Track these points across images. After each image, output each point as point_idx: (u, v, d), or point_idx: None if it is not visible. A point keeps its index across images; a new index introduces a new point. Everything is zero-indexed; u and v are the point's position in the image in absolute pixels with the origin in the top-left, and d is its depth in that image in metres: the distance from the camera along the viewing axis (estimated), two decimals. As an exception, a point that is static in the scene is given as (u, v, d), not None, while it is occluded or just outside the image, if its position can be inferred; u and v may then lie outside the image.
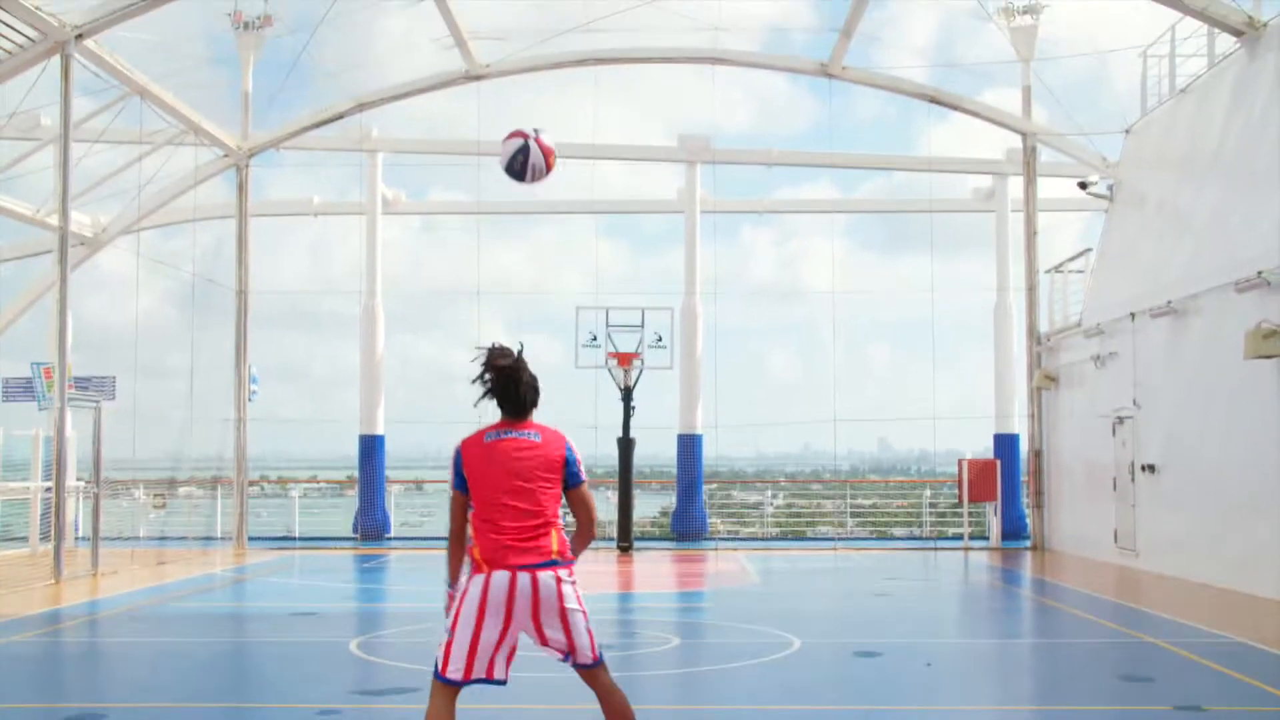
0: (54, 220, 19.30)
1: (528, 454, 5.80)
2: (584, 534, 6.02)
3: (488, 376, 5.89)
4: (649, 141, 30.00)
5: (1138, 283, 20.40)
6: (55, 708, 9.17)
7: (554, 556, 5.71)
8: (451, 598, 5.74)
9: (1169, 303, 18.57)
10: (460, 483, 5.81)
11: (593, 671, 5.86)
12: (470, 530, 5.79)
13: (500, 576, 5.59)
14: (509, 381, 5.89)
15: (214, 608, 15.86)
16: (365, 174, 27.54)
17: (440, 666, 5.61)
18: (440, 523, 29.49)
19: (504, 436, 5.85)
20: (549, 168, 6.52)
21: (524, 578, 5.61)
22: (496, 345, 5.95)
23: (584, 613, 5.78)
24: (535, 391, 5.94)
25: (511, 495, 5.70)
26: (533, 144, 6.48)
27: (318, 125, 25.84)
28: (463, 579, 5.73)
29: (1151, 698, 9.42)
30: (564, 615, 5.68)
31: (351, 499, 28.11)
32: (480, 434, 5.88)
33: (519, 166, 6.49)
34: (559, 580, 5.68)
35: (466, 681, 5.60)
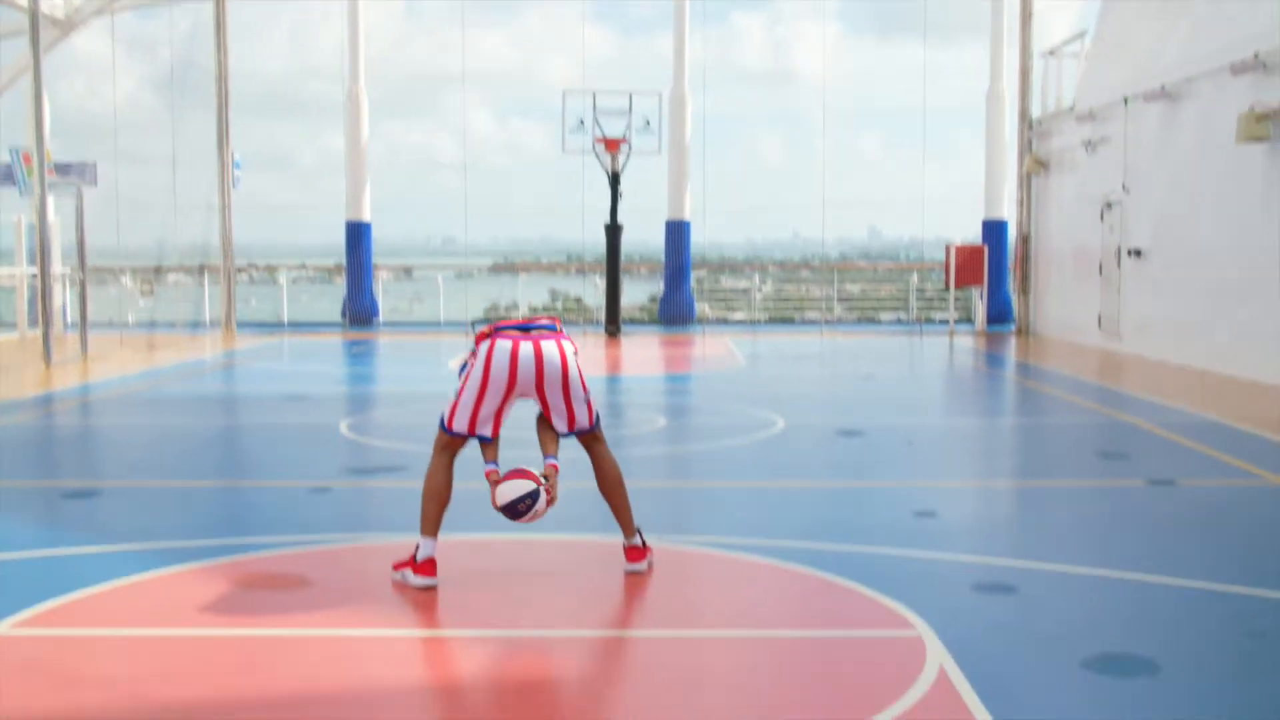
0: (24, 1, 18.76)
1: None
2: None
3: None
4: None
5: (1132, 66, 20.07)
6: (51, 485, 9.34)
7: (559, 331, 6.41)
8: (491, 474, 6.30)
9: (1163, 86, 18.30)
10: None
11: (589, 438, 6.54)
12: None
13: (504, 343, 6.19)
14: None
15: (204, 391, 16.03)
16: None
17: (447, 423, 6.40)
18: (429, 308, 29.67)
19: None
20: (548, 505, 6.34)
21: (527, 345, 6.20)
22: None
23: (584, 384, 6.45)
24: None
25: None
26: (542, 493, 6.15)
27: (293, -100, 24.95)
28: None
29: (1126, 473, 9.64)
30: (566, 381, 6.31)
31: (340, 286, 28.15)
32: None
33: (522, 509, 6.16)
34: (562, 349, 6.29)
35: (470, 436, 6.35)
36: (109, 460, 10.71)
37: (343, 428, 11.98)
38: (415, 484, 9.15)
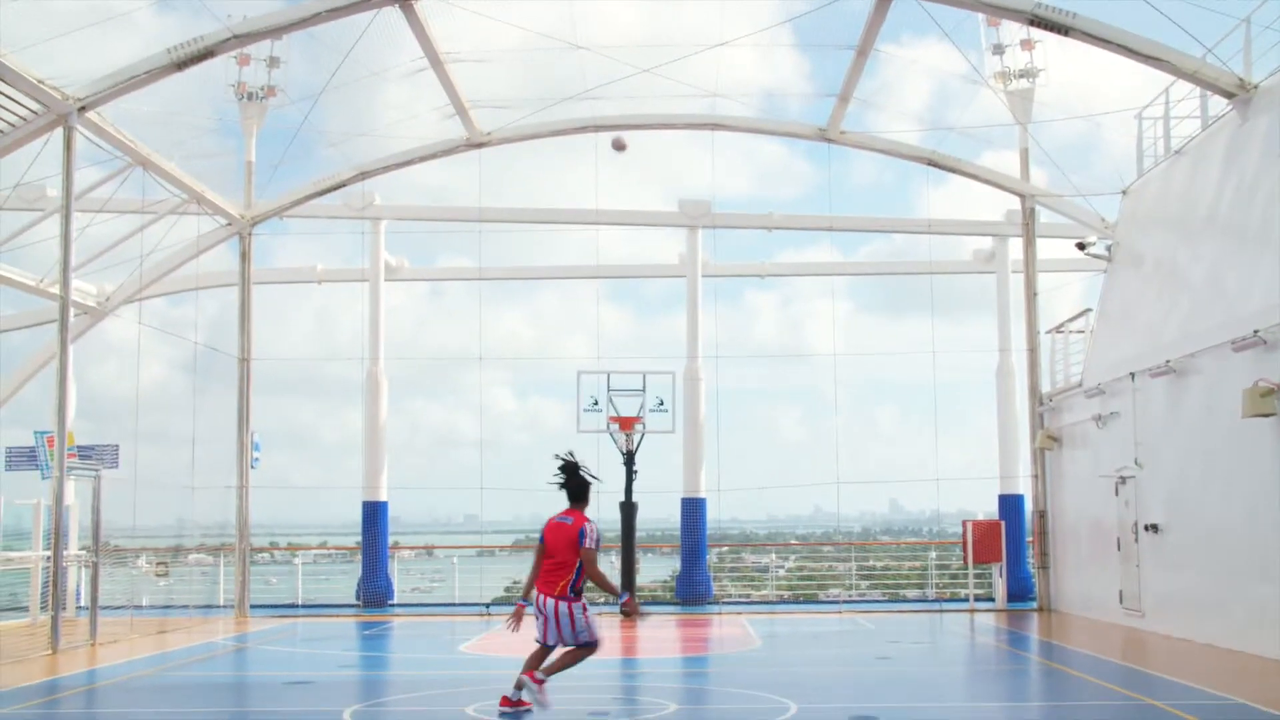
0: (56, 290, 19.43)
1: (563, 530, 11.16)
2: (588, 575, 11.04)
3: (558, 477, 11.44)
4: (648, 207, 30.11)
5: (1137, 342, 20.42)
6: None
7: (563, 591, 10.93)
8: (520, 608, 11.22)
9: (1167, 362, 18.56)
10: (541, 540, 11.19)
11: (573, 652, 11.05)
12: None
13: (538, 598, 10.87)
14: (565, 481, 11.46)
15: (208, 677, 15.75)
16: (368, 241, 27.74)
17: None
18: (447, 588, 29.42)
19: (559, 518, 11.26)
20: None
21: (549, 601, 10.97)
22: (565, 455, 11.47)
23: (572, 620, 10.91)
24: (578, 489, 11.48)
25: (551, 553, 11.12)
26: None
27: (320, 194, 26.06)
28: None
29: (1148, 762, 9.31)
30: (558, 621, 10.90)
31: (359, 565, 28.03)
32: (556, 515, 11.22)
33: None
34: (557, 603, 10.94)
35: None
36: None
37: (345, 716, 11.73)
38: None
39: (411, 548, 39.78)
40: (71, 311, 22.31)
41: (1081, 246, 23.30)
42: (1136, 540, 19.82)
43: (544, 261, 31.68)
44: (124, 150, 20.74)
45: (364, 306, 27.81)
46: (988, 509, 26.64)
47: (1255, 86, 17.86)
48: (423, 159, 25.83)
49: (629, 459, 23.73)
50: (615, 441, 23.93)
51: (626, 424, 23.81)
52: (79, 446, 22.26)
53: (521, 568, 35.43)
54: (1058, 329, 24.92)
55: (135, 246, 24.07)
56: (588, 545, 10.91)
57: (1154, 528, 19.20)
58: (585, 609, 10.99)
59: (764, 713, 11.58)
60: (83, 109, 18.57)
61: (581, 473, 11.43)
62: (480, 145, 25.31)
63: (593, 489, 11.44)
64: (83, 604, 22.82)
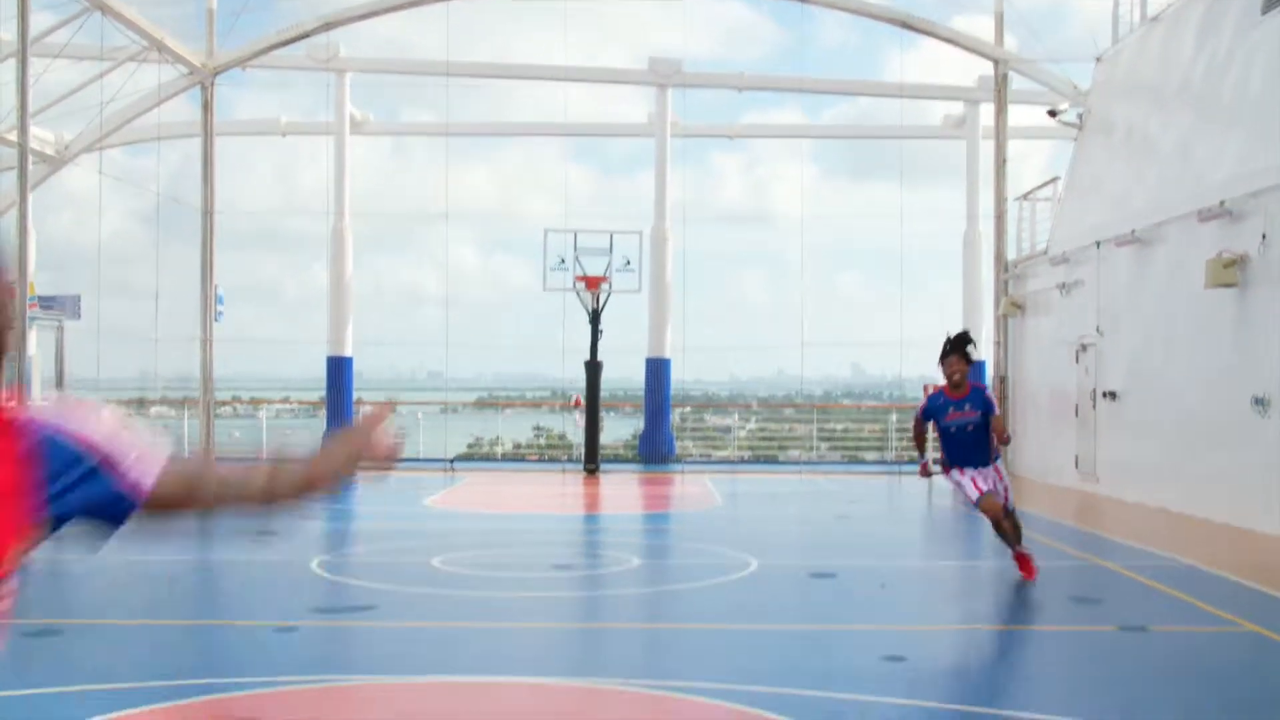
0: (13, 137, 19.07)
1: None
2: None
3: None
4: (615, 66, 29.66)
5: (1104, 211, 20.44)
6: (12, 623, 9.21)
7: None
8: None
9: (1134, 231, 18.62)
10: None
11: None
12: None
13: None
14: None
15: (176, 526, 15.87)
16: (333, 94, 27.29)
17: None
18: (411, 444, 29.55)
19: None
20: None
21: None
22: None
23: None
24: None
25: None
26: None
27: (284, 44, 25.49)
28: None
29: (1098, 618, 9.60)
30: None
31: (323, 420, 28.15)
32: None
33: None
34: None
35: None
36: (74, 598, 10.58)
37: (314, 564, 11.89)
38: (387, 624, 9.09)
39: (374, 403, 39.76)
40: (30, 159, 21.98)
41: (1053, 113, 23.18)
42: (1095, 407, 20.10)
43: (510, 118, 31.20)
44: (82, -7, 20.20)
45: (328, 161, 27.48)
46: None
47: (1235, -47, 17.63)
48: (390, 9, 25.23)
49: (594, 318, 23.76)
50: (581, 300, 23.92)
51: (593, 283, 23.78)
52: (40, 297, 22.05)
53: (485, 425, 35.64)
54: (1025, 196, 24.91)
55: (94, 95, 23.62)
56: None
57: (1112, 395, 19.46)
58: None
59: (725, 568, 11.81)
60: (38, -51, 18.04)
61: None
62: (448, -4, 24.79)
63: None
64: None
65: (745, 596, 10.50)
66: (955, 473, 11.01)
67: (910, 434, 12.95)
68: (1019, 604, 10.62)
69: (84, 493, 2.13)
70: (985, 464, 10.96)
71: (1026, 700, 7.01)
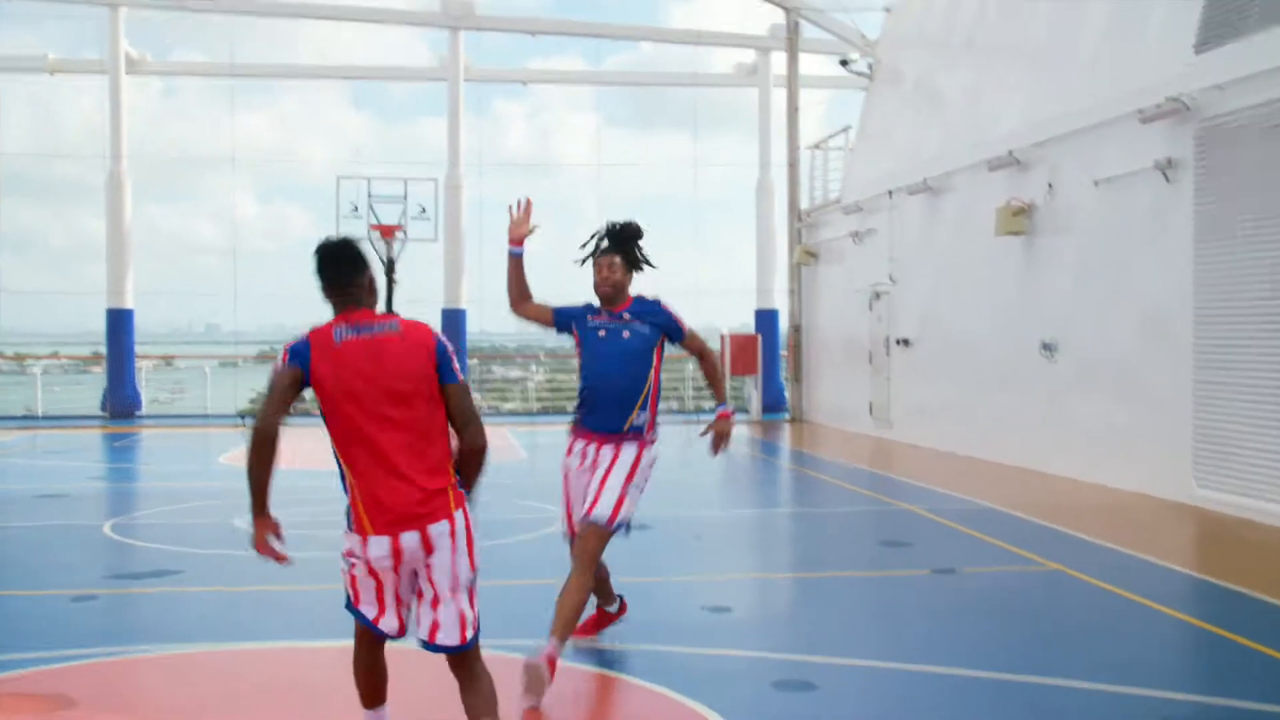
0: None
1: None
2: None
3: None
4: (396, 8, 28.80)
5: (895, 160, 20.86)
6: None
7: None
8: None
9: (925, 180, 19.05)
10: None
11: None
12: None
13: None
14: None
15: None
16: (106, 29, 25.75)
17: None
18: (194, 400, 28.45)
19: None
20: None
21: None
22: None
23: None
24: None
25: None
26: None
27: (49, -25, 23.97)
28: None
29: (911, 562, 9.75)
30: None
31: (98, 376, 26.81)
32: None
33: None
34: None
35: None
36: None
37: (106, 528, 11.21)
38: (187, 589, 8.60)
39: (151, 357, 38.24)
40: None
41: (845, 63, 23.52)
42: (888, 354, 20.58)
43: (290, 60, 30.06)
44: None
45: (97, 102, 26.03)
46: (734, 325, 27.22)
47: (1021, -92, 18.06)
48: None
49: (389, 267, 23.15)
50: (375, 249, 23.25)
51: (388, 231, 23.16)
52: None
53: (265, 379, 34.52)
54: (818, 145, 25.27)
55: None
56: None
57: (905, 342, 19.94)
58: None
59: (535, 523, 11.62)
60: None
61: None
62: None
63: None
64: None
65: (559, 550, 10.30)
66: (577, 447, 6.84)
67: None
68: (833, 551, 10.73)
69: None
70: (629, 434, 6.68)
71: (851, 646, 7.04)
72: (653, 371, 6.60)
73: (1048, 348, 15.38)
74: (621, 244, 6.60)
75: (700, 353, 6.82)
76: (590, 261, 6.64)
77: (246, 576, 8.66)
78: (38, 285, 39.87)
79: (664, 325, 6.62)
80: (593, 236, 6.67)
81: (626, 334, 6.53)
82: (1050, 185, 15.43)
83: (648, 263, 6.67)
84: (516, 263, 6.60)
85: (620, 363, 6.52)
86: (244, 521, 5.77)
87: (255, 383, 33.49)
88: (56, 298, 31.57)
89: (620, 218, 6.63)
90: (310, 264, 4.62)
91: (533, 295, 6.67)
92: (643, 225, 6.64)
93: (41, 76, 27.43)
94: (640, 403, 6.58)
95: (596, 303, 6.66)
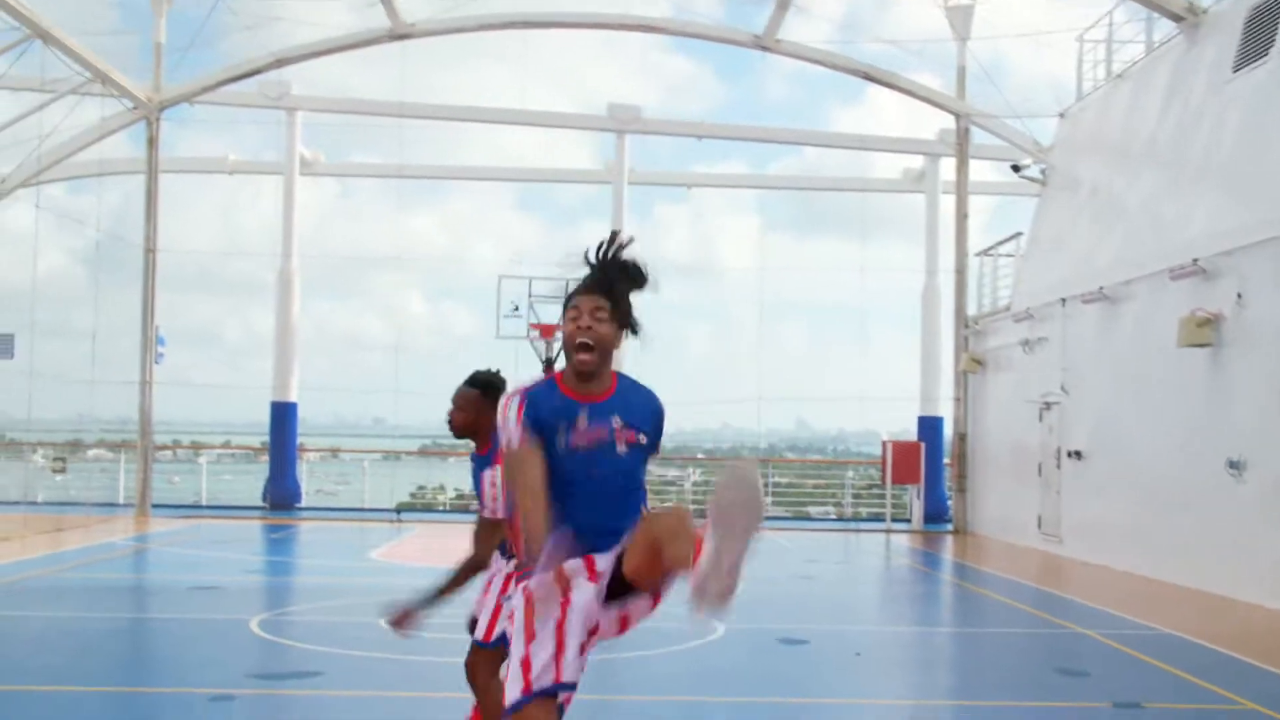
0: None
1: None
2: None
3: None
4: (564, 111, 29.20)
5: (1069, 268, 20.20)
6: (-78, 688, 8.45)
7: None
8: None
9: (1101, 289, 18.35)
10: None
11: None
12: None
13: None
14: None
15: (107, 579, 15.02)
16: (282, 133, 26.67)
17: None
18: (355, 492, 28.76)
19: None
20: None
21: None
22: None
23: None
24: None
25: None
26: None
27: (234, 79, 24.90)
28: None
29: (1089, 693, 9.07)
30: None
31: (264, 465, 27.33)
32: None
33: None
34: None
35: None
36: (-8, 659, 9.81)
37: (253, 624, 11.16)
38: (326, 692, 8.41)
39: (318, 450, 39.03)
40: (-36, 193, 21.19)
41: (1016, 169, 23.00)
42: (1058, 466, 19.75)
43: (462, 161, 30.69)
44: (21, 20, 19.44)
45: (273, 202, 26.82)
46: (894, 430, 26.56)
47: (1204, 11, 17.53)
48: (342, 48, 24.71)
49: (548, 366, 23.15)
50: (535, 349, 23.30)
51: (548, 331, 23.17)
52: (-31, 335, 21.23)
53: (429, 473, 34.86)
54: (987, 252, 24.70)
55: (33, 127, 22.83)
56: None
57: (1077, 454, 19.11)
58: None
59: (687, 633, 11.20)
60: (-22, -27, 17.35)
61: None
62: (403, 37, 24.25)
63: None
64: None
65: (712, 664, 9.90)
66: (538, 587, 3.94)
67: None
68: (1004, 676, 10.08)
69: None
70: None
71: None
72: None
73: (1235, 466, 14.50)
74: (611, 283, 4.14)
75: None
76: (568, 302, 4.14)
77: (389, 681, 8.45)
78: (213, 378, 41.15)
79: (653, 424, 4.20)
80: (588, 268, 4.22)
81: (623, 447, 4.05)
82: (1239, 295, 14.67)
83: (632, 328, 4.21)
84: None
85: (615, 472, 4.09)
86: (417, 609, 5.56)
87: (416, 477, 33.90)
88: (229, 391, 32.39)
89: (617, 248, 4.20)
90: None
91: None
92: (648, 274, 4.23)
93: (221, 177, 28.50)
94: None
95: (553, 375, 4.15)
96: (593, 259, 4.18)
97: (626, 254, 4.21)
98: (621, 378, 4.19)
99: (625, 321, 4.16)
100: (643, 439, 4.11)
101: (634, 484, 4.13)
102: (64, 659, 9.58)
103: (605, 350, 4.06)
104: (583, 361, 4.03)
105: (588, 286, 4.11)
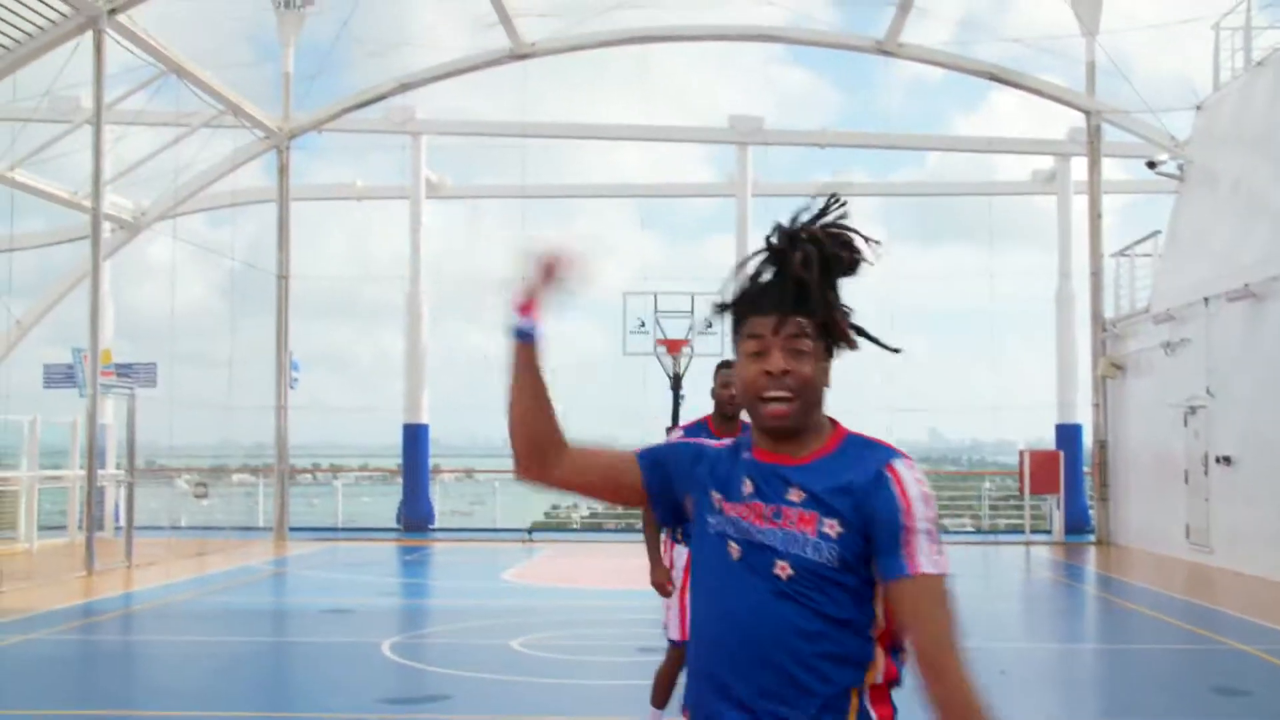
0: (89, 203, 18.83)
1: None
2: None
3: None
4: (684, 126, 29.05)
5: (1211, 266, 19.45)
6: (61, 714, 8.58)
7: None
8: None
9: (1246, 286, 17.63)
10: None
11: None
12: None
13: None
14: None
15: (245, 603, 15.22)
16: (408, 157, 27.01)
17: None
18: (488, 513, 28.93)
19: None
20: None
21: None
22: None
23: None
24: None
25: None
26: None
27: (359, 106, 25.30)
28: None
29: (1252, 713, 8.61)
30: None
31: (399, 487, 27.65)
32: None
33: None
34: None
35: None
36: (129, 682, 9.96)
37: (385, 648, 11.17)
38: (458, 716, 8.35)
39: (452, 471, 39.40)
40: (106, 226, 21.80)
41: (1152, 165, 22.22)
42: (1206, 473, 19.00)
43: (586, 179, 30.73)
44: (156, 57, 19.99)
45: (402, 226, 27.15)
46: (1030, 439, 25.89)
47: (1351, -7, 16.75)
48: (464, 70, 24.95)
49: (676, 382, 23.02)
50: (662, 364, 23.21)
51: (674, 346, 23.05)
52: (116, 365, 21.78)
53: (562, 492, 34.90)
54: (1123, 252, 23.95)
55: (170, 160, 23.46)
56: None
57: (1226, 460, 18.36)
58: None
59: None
60: (113, 11, 17.82)
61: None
62: (524, 56, 24.38)
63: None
64: (120, 524, 22.50)
65: None
66: None
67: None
68: (1158, 694, 9.63)
69: None
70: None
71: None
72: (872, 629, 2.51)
73: (1398, 469, 13.75)
74: (806, 289, 2.52)
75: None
76: (732, 327, 2.65)
77: (518, 704, 8.36)
78: (348, 401, 41.83)
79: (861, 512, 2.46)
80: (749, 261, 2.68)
81: (812, 532, 2.42)
82: (1395, 289, 13.94)
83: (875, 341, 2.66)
84: (522, 354, 2.67)
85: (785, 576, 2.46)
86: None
87: (550, 496, 33.97)
88: (364, 413, 32.82)
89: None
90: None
91: (563, 433, 2.66)
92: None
93: (351, 204, 28.98)
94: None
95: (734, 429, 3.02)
96: (780, 241, 2.59)
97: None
98: (851, 436, 2.56)
99: (839, 335, 2.56)
100: (839, 529, 2.41)
101: (809, 612, 2.40)
102: (200, 683, 9.68)
103: (812, 399, 2.52)
104: (776, 415, 2.49)
105: (774, 301, 2.53)
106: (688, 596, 2.60)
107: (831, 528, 2.40)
